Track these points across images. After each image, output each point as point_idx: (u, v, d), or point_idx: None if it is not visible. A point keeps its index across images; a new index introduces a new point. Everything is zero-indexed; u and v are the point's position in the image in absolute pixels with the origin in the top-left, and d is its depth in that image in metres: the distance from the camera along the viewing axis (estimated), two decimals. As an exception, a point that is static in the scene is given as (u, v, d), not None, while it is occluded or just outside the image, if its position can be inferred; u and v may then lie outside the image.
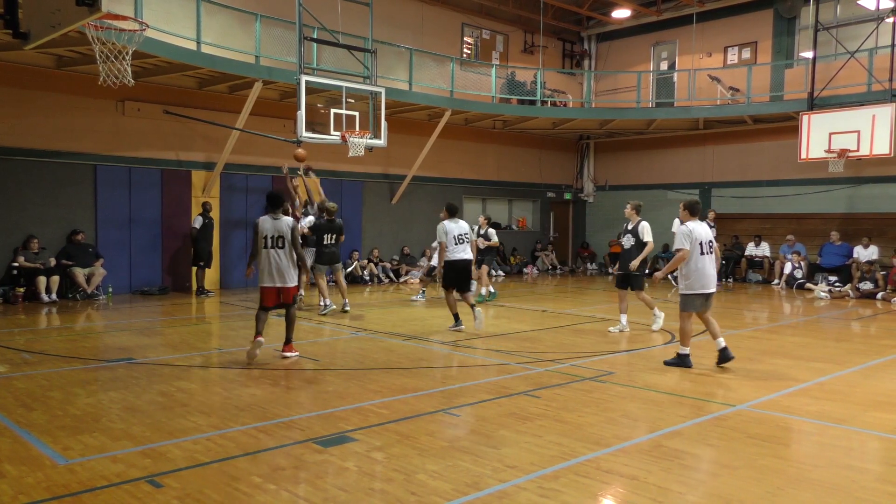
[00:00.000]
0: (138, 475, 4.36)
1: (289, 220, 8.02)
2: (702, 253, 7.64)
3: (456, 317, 10.22)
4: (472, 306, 10.06)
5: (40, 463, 4.56)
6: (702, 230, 7.73)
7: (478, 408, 6.00)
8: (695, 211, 7.89)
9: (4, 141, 12.81)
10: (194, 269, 14.68)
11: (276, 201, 8.04)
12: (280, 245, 7.84)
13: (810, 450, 5.22)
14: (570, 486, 4.27)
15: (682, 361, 7.77)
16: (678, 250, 7.66)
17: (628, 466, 4.60)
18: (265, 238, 7.86)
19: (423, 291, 14.32)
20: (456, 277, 10.09)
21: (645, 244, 10.20)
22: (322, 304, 11.84)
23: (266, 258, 7.87)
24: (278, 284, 7.90)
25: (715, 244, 7.98)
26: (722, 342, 7.72)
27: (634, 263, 10.12)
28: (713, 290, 7.79)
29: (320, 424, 5.49)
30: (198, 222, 14.52)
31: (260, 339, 7.77)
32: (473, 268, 10.95)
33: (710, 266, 7.74)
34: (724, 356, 7.71)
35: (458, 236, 10.03)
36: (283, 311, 8.21)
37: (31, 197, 13.16)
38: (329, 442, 5.04)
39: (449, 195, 20.11)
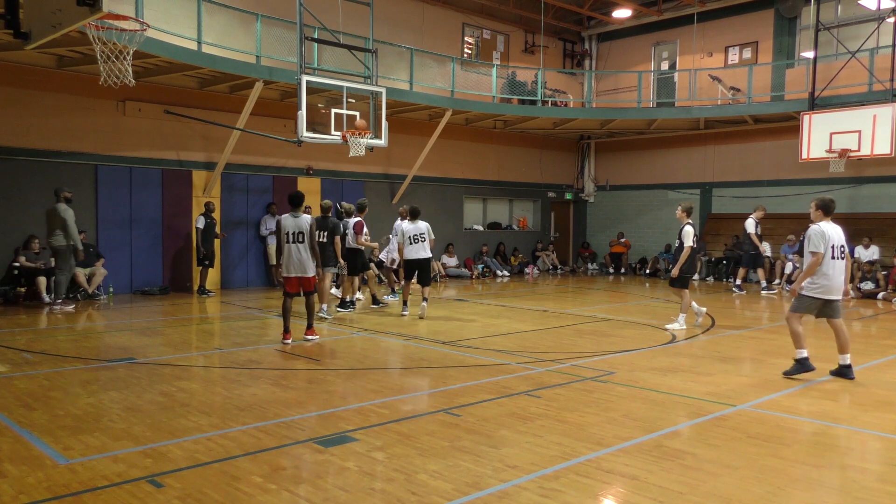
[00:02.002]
0: (139, 475, 4.36)
1: (308, 217, 9.02)
2: (832, 257, 7.07)
3: (405, 303, 11.72)
4: (425, 299, 11.52)
5: (41, 462, 4.57)
6: (834, 232, 7.15)
7: (478, 408, 6.00)
8: (828, 210, 7.21)
9: (5, 141, 12.82)
10: (198, 268, 14.70)
11: (297, 200, 9.09)
12: (300, 240, 8.92)
13: (811, 450, 5.21)
14: (570, 485, 4.27)
15: (802, 367, 7.20)
16: (813, 253, 7.02)
17: (629, 466, 4.60)
18: (287, 234, 8.93)
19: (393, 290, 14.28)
20: (411, 272, 11.64)
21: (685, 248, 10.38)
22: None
23: (288, 252, 8.96)
24: (298, 274, 8.97)
25: (846, 248, 7.29)
26: (847, 359, 7.23)
27: (674, 272, 10.44)
28: (837, 297, 7.20)
29: (321, 424, 5.49)
30: (200, 222, 14.51)
31: (288, 340, 8.97)
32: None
33: (839, 272, 7.16)
34: (841, 373, 7.23)
35: (413, 236, 11.40)
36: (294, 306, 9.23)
37: (32, 197, 13.16)
38: (330, 442, 5.05)
39: (450, 195, 20.16)
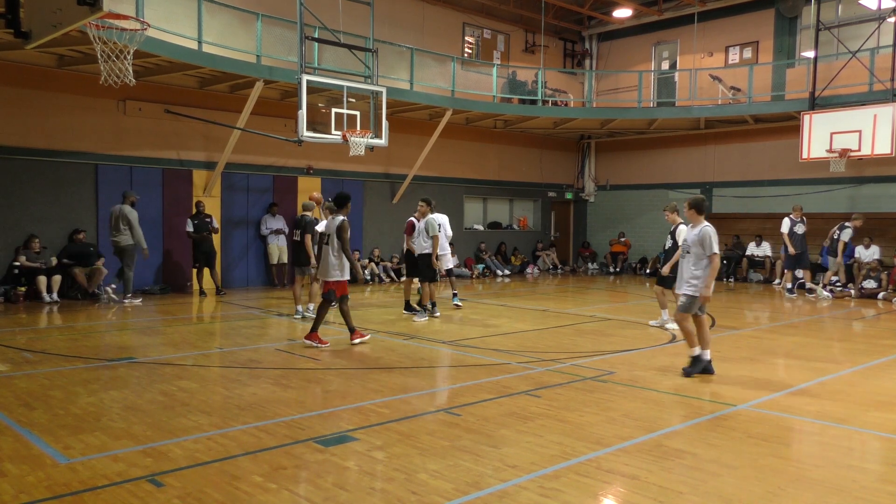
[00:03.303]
0: (139, 474, 4.36)
1: (340, 219, 8.66)
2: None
3: (433, 304, 11.54)
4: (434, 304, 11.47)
5: (41, 462, 4.57)
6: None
7: (479, 407, 6.00)
8: (703, 209, 7.48)
9: (6, 140, 12.82)
10: (194, 270, 14.80)
11: (338, 202, 8.83)
12: (327, 242, 8.70)
13: (811, 449, 5.22)
14: (570, 485, 4.27)
15: (699, 364, 7.35)
16: (715, 254, 7.22)
17: (629, 466, 4.60)
18: (321, 234, 8.89)
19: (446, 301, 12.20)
20: (415, 267, 11.53)
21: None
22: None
23: (321, 253, 8.94)
24: (321, 277, 8.92)
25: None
26: (708, 354, 7.41)
27: (665, 269, 10.34)
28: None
29: (321, 424, 5.49)
30: (189, 225, 14.46)
31: (356, 339, 8.90)
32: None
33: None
34: (705, 369, 7.42)
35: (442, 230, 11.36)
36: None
37: (33, 196, 13.17)
38: (330, 441, 5.05)
39: (450, 195, 20.15)
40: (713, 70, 19.50)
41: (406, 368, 7.68)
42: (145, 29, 9.02)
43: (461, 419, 5.64)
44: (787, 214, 15.51)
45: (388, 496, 4.08)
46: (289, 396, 6.33)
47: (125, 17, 8.64)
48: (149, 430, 5.27)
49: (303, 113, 12.97)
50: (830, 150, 16.04)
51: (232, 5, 13.91)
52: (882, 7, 17.08)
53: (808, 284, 15.52)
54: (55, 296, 12.74)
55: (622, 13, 21.03)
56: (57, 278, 12.81)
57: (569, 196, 23.60)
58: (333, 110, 13.64)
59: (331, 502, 4.00)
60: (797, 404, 6.23)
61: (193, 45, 12.89)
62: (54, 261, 12.98)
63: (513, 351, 8.63)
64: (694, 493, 4.17)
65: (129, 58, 8.85)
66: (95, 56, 8.92)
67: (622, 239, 22.16)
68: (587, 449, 4.93)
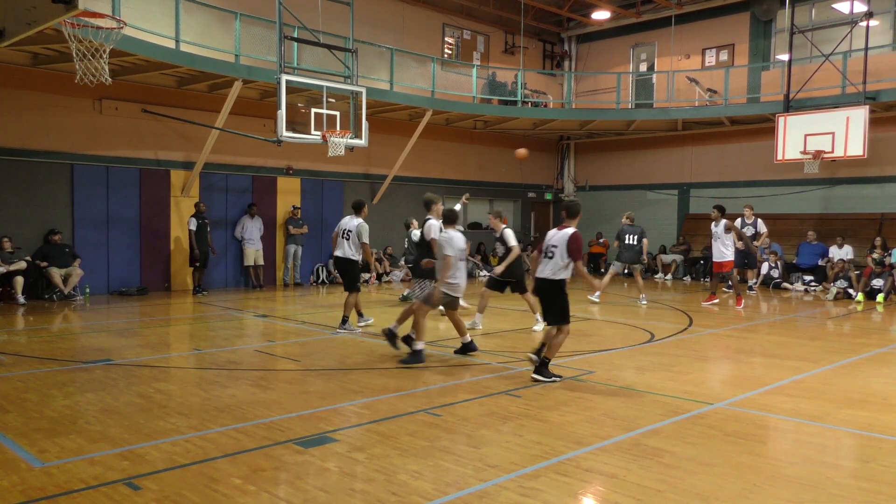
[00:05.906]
0: (116, 477, 4.31)
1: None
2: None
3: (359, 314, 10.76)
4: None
5: (16, 466, 4.50)
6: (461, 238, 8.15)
7: (459, 407, 6.02)
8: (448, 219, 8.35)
9: (-22, 139, 12.62)
10: (191, 269, 14.88)
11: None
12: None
13: (786, 447, 5.29)
14: (550, 484, 4.30)
15: (417, 357, 7.81)
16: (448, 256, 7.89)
17: (608, 465, 4.64)
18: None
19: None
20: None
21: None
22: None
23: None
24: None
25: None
26: (468, 337, 8.29)
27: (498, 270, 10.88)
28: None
29: (301, 425, 5.47)
30: (192, 224, 14.53)
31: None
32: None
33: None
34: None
35: (344, 231, 10.22)
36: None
37: (7, 196, 12.96)
38: (309, 443, 5.03)
39: (430, 195, 20.12)
40: (690, 72, 19.70)
41: (386, 369, 7.67)
42: (122, 27, 8.92)
43: (441, 419, 5.64)
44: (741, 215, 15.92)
45: (369, 497, 4.08)
46: (268, 398, 6.30)
47: (101, 16, 8.54)
48: (126, 432, 5.21)
49: (282, 113, 12.90)
50: (804, 152, 16.27)
51: (210, 4, 13.80)
52: (854, 11, 17.38)
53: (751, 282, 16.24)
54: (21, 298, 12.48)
55: (601, 15, 21.18)
56: (20, 279, 12.49)
57: (548, 197, 23.71)
58: (313, 110, 13.59)
59: (311, 504, 3.99)
60: (773, 402, 6.32)
61: (171, 44, 12.77)
62: (24, 264, 12.63)
63: (493, 351, 8.66)
64: (672, 490, 4.22)
65: (105, 56, 8.76)
66: (71, 54, 8.80)
67: (601, 240, 22.29)
68: (567, 448, 4.96)
